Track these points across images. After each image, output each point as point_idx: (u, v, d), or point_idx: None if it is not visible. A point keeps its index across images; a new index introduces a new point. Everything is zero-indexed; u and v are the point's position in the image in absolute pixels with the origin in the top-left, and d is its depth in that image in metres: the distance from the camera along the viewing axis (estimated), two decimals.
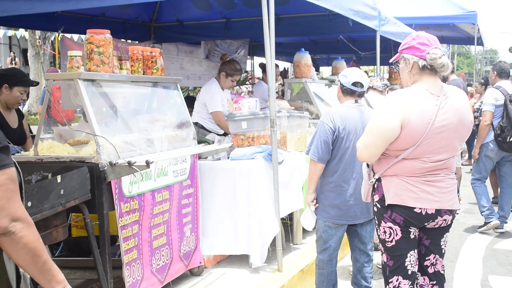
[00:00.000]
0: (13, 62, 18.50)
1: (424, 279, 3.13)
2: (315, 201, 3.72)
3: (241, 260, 4.55)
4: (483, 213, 6.38)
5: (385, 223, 2.96)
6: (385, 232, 2.98)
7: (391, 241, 2.97)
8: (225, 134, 5.56)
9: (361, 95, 3.73)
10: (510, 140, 5.78)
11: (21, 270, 1.67)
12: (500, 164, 6.46)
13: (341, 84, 3.72)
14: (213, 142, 4.75)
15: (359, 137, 3.60)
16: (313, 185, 3.69)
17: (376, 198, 3.02)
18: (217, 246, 4.52)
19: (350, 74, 3.70)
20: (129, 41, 7.64)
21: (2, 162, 1.54)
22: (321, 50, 10.19)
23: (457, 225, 6.65)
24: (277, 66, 7.67)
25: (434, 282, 3.14)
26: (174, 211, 3.99)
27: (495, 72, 6.45)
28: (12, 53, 19.47)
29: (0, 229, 1.52)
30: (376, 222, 3.06)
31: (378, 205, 3.01)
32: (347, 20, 5.84)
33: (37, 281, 1.64)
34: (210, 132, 5.56)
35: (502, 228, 6.40)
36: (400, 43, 3.01)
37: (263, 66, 7.83)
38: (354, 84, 3.66)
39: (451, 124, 2.80)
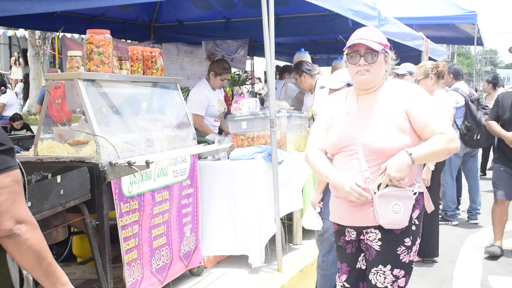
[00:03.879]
0: (17, 62, 18.49)
1: None
2: (321, 202, 3.68)
3: (241, 260, 4.55)
4: (447, 213, 6.77)
5: (420, 239, 2.69)
6: (416, 251, 2.69)
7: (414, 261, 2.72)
8: (220, 133, 5.56)
9: None
10: (478, 137, 6.06)
11: (24, 272, 1.66)
12: (464, 161, 6.86)
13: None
14: (213, 142, 4.75)
15: None
16: (322, 186, 3.63)
17: (416, 213, 2.63)
18: (216, 246, 4.52)
19: (344, 75, 3.67)
20: (129, 41, 7.64)
21: (7, 164, 1.53)
22: (321, 50, 10.19)
23: (457, 225, 6.67)
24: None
25: None
26: (174, 211, 3.99)
27: (451, 75, 6.85)
28: (16, 53, 19.43)
29: (4, 231, 1.51)
30: (409, 243, 2.62)
31: (417, 222, 2.64)
32: (347, 20, 5.84)
33: (41, 284, 1.62)
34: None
35: (476, 220, 6.83)
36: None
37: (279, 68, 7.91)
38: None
39: None
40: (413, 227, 2.63)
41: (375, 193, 2.52)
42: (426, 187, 5.18)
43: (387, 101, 2.61)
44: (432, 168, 4.85)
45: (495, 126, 5.36)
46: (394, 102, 2.60)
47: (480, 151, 7.25)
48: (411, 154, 2.49)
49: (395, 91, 2.64)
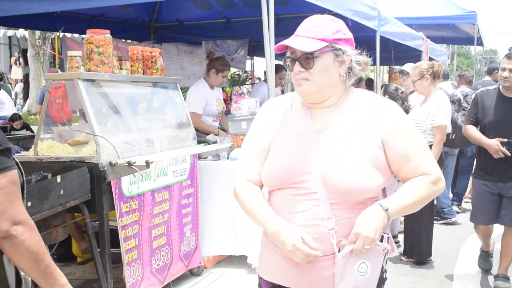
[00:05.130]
0: (17, 62, 18.51)
1: None
2: None
3: (241, 260, 4.55)
4: (444, 210, 6.84)
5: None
6: None
7: None
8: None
9: None
10: (453, 137, 6.03)
11: (22, 273, 1.65)
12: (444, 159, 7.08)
13: None
14: (213, 142, 4.75)
15: None
16: None
17: (385, 262, 1.98)
18: (216, 246, 4.53)
19: None
20: (129, 41, 7.64)
21: (4, 164, 1.52)
22: None
23: (457, 225, 6.67)
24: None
25: None
26: (174, 211, 3.99)
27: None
28: (16, 53, 19.47)
29: (1, 233, 1.50)
30: None
31: (386, 269, 2.02)
32: (347, 20, 5.84)
33: (39, 285, 1.61)
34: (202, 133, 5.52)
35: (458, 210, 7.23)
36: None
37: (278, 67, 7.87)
38: None
39: None
40: (384, 276, 1.97)
41: (339, 250, 1.80)
42: None
43: (355, 123, 1.88)
44: None
45: (473, 132, 4.33)
46: (366, 126, 1.87)
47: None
48: (387, 209, 1.81)
49: (366, 109, 1.90)
